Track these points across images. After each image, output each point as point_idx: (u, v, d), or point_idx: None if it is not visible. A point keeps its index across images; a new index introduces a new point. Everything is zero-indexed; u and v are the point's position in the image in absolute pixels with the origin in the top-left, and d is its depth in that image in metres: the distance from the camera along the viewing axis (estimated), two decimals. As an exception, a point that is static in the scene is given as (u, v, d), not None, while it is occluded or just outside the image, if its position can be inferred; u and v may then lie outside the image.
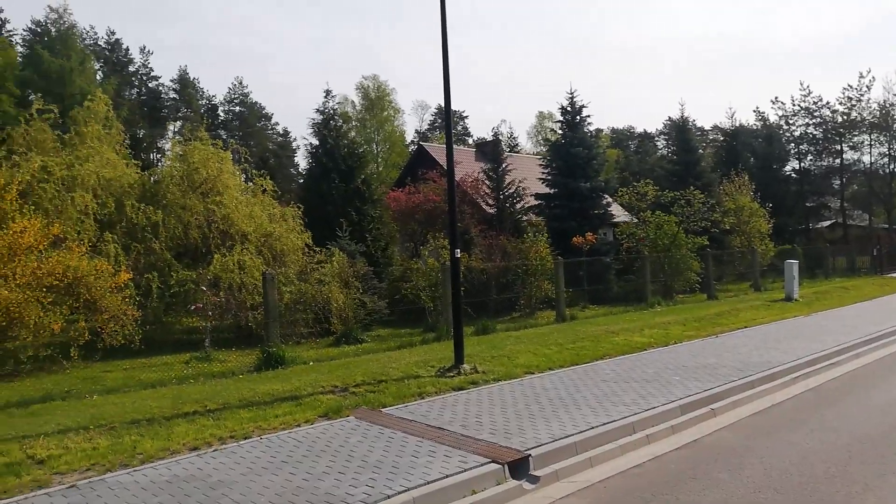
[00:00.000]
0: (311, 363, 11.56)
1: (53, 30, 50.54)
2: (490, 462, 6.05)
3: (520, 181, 24.90)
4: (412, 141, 69.01)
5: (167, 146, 68.17)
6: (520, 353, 11.50)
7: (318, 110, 25.11)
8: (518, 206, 25.05)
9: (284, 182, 47.11)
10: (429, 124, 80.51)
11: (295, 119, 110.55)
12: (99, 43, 64.42)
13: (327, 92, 26.08)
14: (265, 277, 12.00)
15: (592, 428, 7.06)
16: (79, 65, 44.01)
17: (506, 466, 6.05)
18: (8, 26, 58.38)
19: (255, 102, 74.75)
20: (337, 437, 6.94)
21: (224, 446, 6.78)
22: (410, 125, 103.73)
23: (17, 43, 55.71)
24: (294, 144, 75.39)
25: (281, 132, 76.48)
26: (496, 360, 10.84)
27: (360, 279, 16.02)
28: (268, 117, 76.38)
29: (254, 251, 15.46)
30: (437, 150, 33.73)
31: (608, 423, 7.25)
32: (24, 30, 56.84)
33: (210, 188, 16.31)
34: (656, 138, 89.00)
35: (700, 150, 38.98)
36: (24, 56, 53.60)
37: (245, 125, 71.86)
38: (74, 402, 9.03)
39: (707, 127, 79.62)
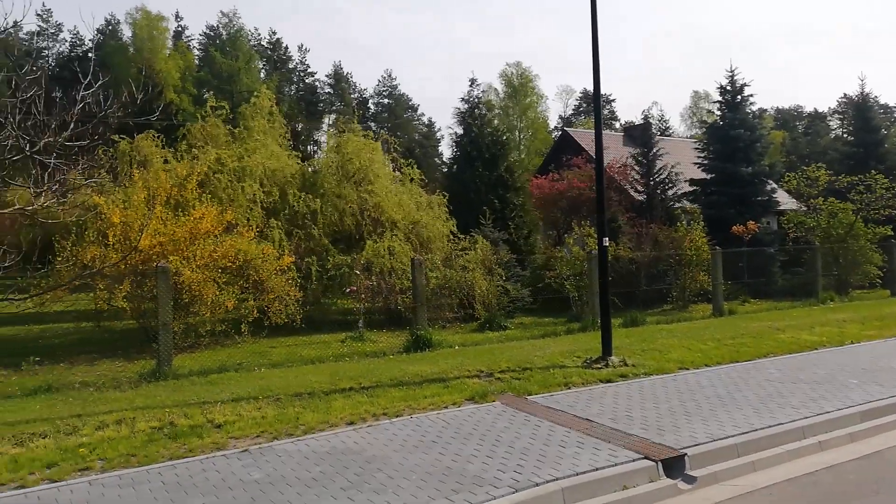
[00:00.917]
0: (457, 347, 11.78)
1: (224, 33, 55.34)
2: (643, 458, 5.82)
3: (672, 166, 23.65)
4: (555, 127, 68.03)
5: (322, 138, 72.47)
6: (672, 347, 10.95)
7: (463, 99, 25.57)
8: (670, 192, 23.82)
9: (429, 171, 48.37)
10: (573, 109, 78.93)
11: (439, 109, 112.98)
12: (262, 43, 69.67)
13: (472, 81, 26.38)
14: (414, 263, 12.37)
15: (755, 430, 6.55)
16: (245, 64, 47.90)
17: (659, 464, 5.78)
18: (187, 32, 64.83)
19: (403, 94, 77.35)
20: (483, 422, 7.00)
21: (377, 423, 7.09)
22: (553, 111, 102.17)
23: (194, 47, 61.82)
24: (438, 134, 77.13)
25: (426, 122, 78.55)
26: (646, 354, 10.40)
27: (503, 266, 16.06)
28: (414, 108, 78.73)
29: (402, 238, 16.01)
30: (581, 135, 32.93)
31: (774, 425, 6.70)
32: (199, 34, 62.77)
33: (363, 178, 17.09)
34: (829, 118, 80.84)
35: (884, 130, 34.73)
36: (199, 59, 59.35)
37: (393, 116, 74.58)
38: (245, 374, 9.88)
39: (892, 104, 71.05)
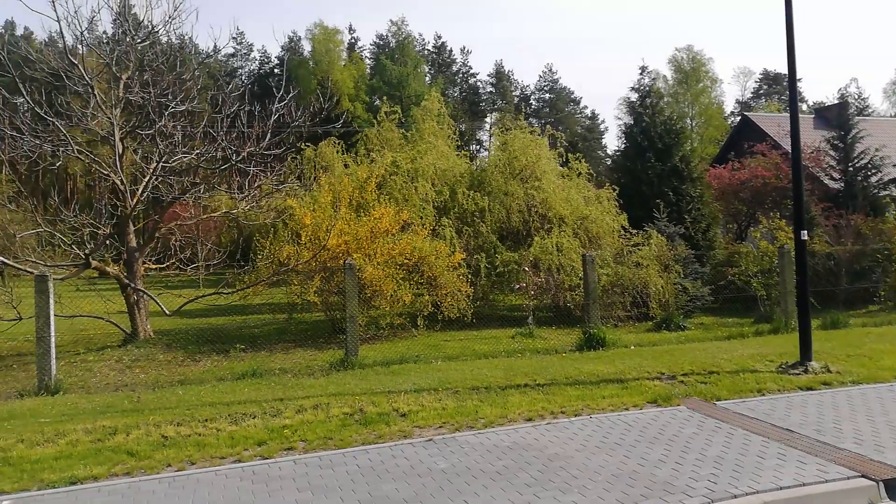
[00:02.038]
0: (632, 347, 11.36)
1: (393, 41, 58.03)
2: (859, 476, 5.21)
3: (875, 149, 20.96)
4: (732, 112, 63.32)
5: (485, 137, 73.62)
6: (885, 353, 9.71)
7: (632, 88, 24.78)
8: (873, 179, 21.14)
9: (593, 165, 47.20)
10: (752, 92, 73.02)
11: (602, 101, 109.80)
12: (427, 48, 72.16)
13: (642, 69, 25.50)
14: (585, 259, 12.13)
15: None
16: (413, 69, 49.85)
17: (881, 484, 5.15)
18: (359, 43, 68.86)
19: (564, 87, 76.25)
20: (669, 426, 6.68)
21: (556, 420, 7.04)
22: (729, 95, 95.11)
23: (365, 57, 65.53)
24: (602, 126, 75.03)
25: (588, 115, 76.78)
26: (853, 360, 9.32)
27: (681, 263, 15.21)
28: (576, 101, 77.29)
29: (570, 234, 15.76)
30: (764, 119, 30.28)
31: None
32: (370, 44, 66.34)
33: (529, 174, 17.07)
34: None
35: None
36: (371, 67, 62.83)
37: (554, 111, 73.79)
38: (423, 366, 10.28)
39: None
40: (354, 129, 32.04)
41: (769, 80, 72.83)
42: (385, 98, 25.51)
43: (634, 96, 24.00)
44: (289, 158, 18.97)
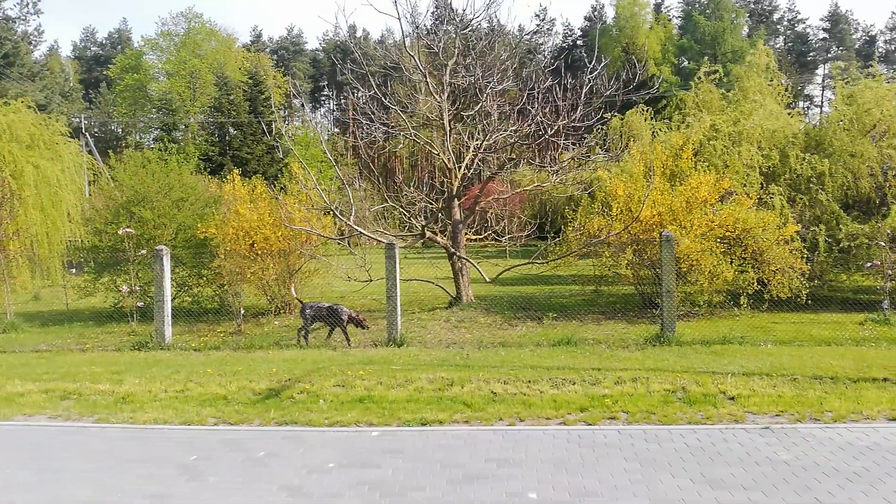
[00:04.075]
0: None
1: (710, -5, 53.46)
2: None
3: None
4: None
5: (816, 92, 64.07)
6: None
7: None
8: None
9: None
10: None
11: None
12: (747, -2, 64.98)
13: None
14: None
15: None
16: (730, 23, 45.40)
17: None
18: (666, 2, 65.05)
19: (928, 23, 62.15)
20: None
21: (934, 426, 5.85)
22: None
23: (673, 17, 61.74)
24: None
25: (965, 53, 61.54)
26: None
27: None
28: (946, 38, 62.48)
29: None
30: None
31: None
32: (678, 2, 62.27)
33: (884, 130, 14.32)
34: None
35: None
36: (679, 27, 59.03)
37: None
38: (749, 348, 9.42)
39: None
40: (661, 94, 30.49)
41: None
42: (704, 58, 23.75)
43: None
44: (594, 130, 18.87)
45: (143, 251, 13.05)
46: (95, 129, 54.51)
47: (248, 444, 6.12)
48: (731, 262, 11.90)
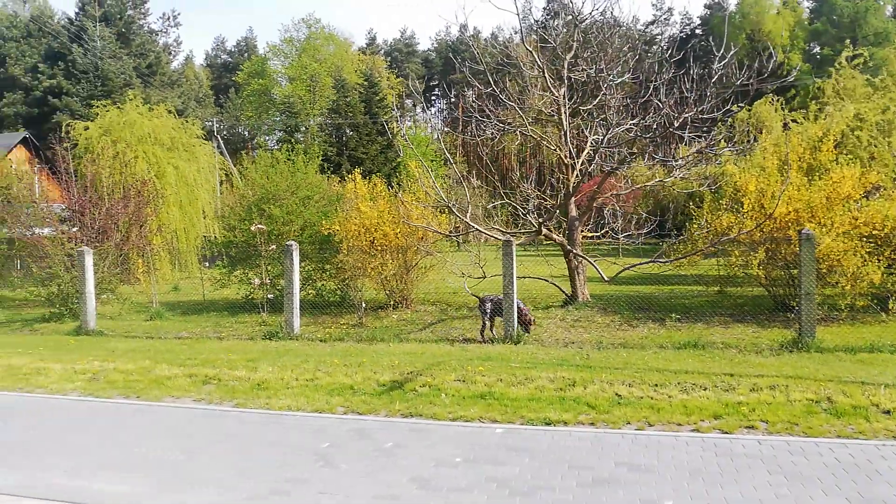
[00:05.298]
0: None
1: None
2: None
3: None
4: None
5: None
6: None
7: None
8: None
9: None
10: None
11: None
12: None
13: None
14: None
15: None
16: (872, 3, 41.59)
17: None
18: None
19: None
20: None
21: None
22: None
23: (802, 0, 57.36)
24: None
25: None
26: None
27: None
28: None
29: None
30: None
31: None
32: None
33: None
34: None
35: None
36: (810, 10, 54.83)
37: None
38: (903, 358, 8.59)
39: None
40: (791, 83, 28.42)
41: None
42: (842, 42, 21.95)
43: None
44: (718, 122, 17.89)
45: (273, 246, 13.81)
46: (225, 132, 58.32)
47: (376, 434, 6.31)
48: (880, 264, 10.90)
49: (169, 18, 63.65)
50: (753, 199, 11.89)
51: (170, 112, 26.27)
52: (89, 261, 13.30)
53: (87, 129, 23.93)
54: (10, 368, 9.74)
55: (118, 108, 25.11)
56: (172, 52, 62.58)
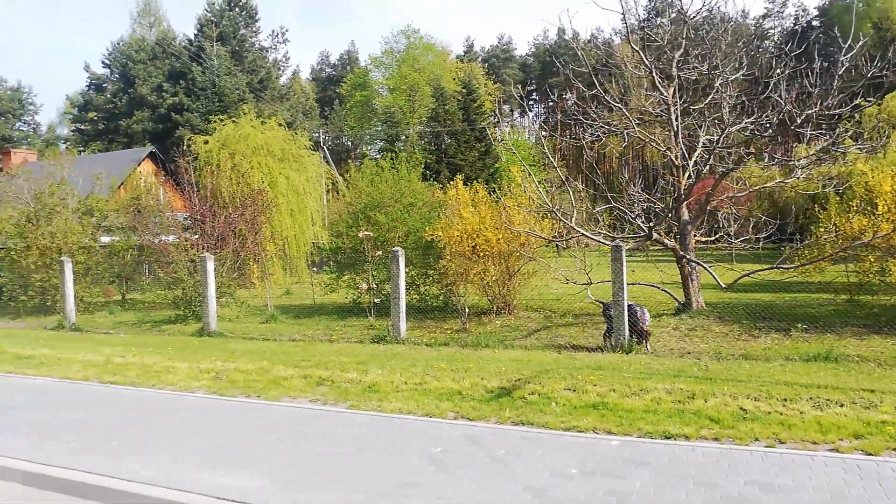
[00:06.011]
0: None
1: None
2: None
3: None
4: None
5: None
6: None
7: None
8: None
9: None
10: None
11: None
12: None
13: None
14: None
15: None
16: None
17: None
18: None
19: None
20: None
21: None
22: None
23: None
24: None
25: None
26: None
27: None
28: None
29: None
30: None
31: None
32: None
33: None
34: None
35: None
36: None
37: None
38: None
39: None
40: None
41: None
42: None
43: None
44: (844, 118, 16.58)
45: (379, 252, 14.12)
46: (330, 143, 60.55)
47: (487, 441, 6.25)
48: None
49: (277, 35, 66.93)
50: (889, 200, 10.90)
51: (280, 125, 27.58)
52: (211, 266, 14.13)
53: (206, 142, 25.54)
54: (144, 367, 10.49)
55: (234, 122, 26.64)
56: (281, 68, 65.76)
